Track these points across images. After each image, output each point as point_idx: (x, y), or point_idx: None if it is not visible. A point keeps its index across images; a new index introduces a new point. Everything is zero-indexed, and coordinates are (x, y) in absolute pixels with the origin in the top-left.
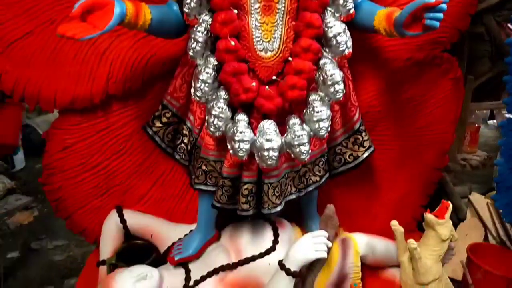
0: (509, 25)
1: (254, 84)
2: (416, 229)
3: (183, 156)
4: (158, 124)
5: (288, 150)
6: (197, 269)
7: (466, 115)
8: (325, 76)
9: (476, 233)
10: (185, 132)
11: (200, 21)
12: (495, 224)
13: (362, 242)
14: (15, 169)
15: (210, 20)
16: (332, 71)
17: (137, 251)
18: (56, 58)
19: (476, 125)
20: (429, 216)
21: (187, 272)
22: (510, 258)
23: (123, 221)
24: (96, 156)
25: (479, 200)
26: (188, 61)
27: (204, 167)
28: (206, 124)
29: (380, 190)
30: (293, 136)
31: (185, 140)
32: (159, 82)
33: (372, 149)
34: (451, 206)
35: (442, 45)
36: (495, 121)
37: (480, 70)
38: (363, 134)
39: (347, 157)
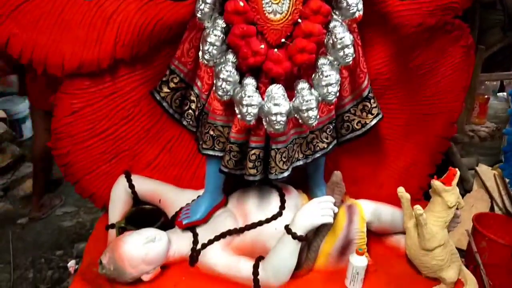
0: None
1: (263, 46)
2: (423, 198)
3: (191, 122)
4: (165, 89)
5: (296, 115)
6: (205, 233)
7: (475, 85)
8: (335, 40)
9: (482, 204)
10: (192, 98)
11: None
12: (501, 195)
13: (368, 209)
14: (24, 137)
15: None
16: (342, 34)
17: (146, 215)
18: (63, 21)
19: (486, 96)
20: (436, 182)
21: (195, 235)
22: None
23: (131, 186)
24: (104, 121)
25: (486, 172)
26: (196, 25)
27: (211, 132)
28: (214, 88)
29: (387, 159)
30: (301, 101)
31: (193, 106)
32: (166, 46)
33: (380, 116)
34: (458, 173)
35: (454, 11)
36: (505, 93)
37: (491, 40)
38: (372, 101)
39: (355, 125)
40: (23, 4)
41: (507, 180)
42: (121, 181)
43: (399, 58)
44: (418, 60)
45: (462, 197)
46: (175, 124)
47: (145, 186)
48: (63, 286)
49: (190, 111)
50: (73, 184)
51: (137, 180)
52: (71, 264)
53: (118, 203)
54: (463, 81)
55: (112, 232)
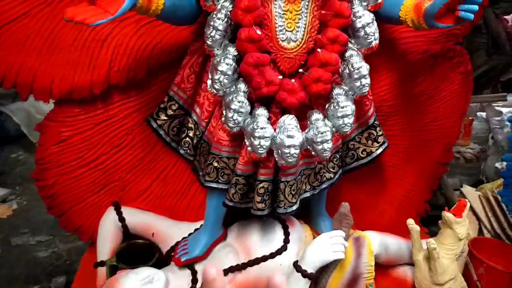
0: (506, 17)
1: (281, 77)
2: (420, 224)
3: (188, 151)
4: (163, 116)
5: (309, 147)
6: None
7: None
8: (352, 69)
9: (470, 227)
10: (190, 125)
11: (219, 7)
12: (488, 217)
13: (375, 241)
14: None
15: (230, 6)
16: (359, 63)
17: (138, 251)
18: (53, 43)
19: (470, 118)
20: (448, 215)
21: (193, 273)
22: (508, 252)
23: (121, 219)
24: (94, 150)
25: (471, 193)
26: (197, 50)
27: (215, 164)
28: (223, 119)
29: (387, 186)
30: (316, 133)
31: (191, 134)
32: (164, 71)
33: (386, 144)
34: (468, 204)
35: (456, 38)
36: (483, 113)
37: (476, 62)
38: (377, 129)
39: (360, 153)
40: (9, 24)
41: (505, 206)
42: (110, 214)
43: (403, 85)
44: (421, 87)
45: None
46: (170, 152)
47: (137, 218)
48: None
49: (187, 139)
50: (58, 217)
51: (127, 212)
52: None
53: (107, 238)
54: (461, 107)
55: (102, 270)
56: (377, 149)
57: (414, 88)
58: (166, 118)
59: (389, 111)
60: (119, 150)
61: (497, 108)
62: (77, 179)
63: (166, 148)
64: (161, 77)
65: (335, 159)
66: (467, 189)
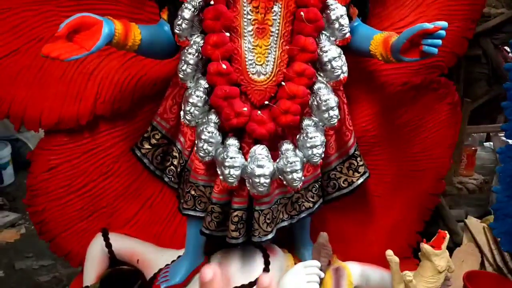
0: (506, 48)
1: (246, 109)
2: (412, 256)
3: (172, 179)
4: (147, 145)
5: (280, 176)
6: None
7: (462, 138)
8: (320, 101)
9: (472, 259)
10: (174, 154)
11: (191, 42)
12: (491, 250)
13: (356, 272)
14: (4, 184)
15: (201, 42)
16: (326, 96)
17: (122, 276)
18: (43, 77)
19: (473, 148)
20: (425, 246)
21: None
22: (506, 287)
23: (108, 245)
24: (82, 178)
25: (475, 224)
26: (179, 82)
27: (193, 192)
28: (195, 148)
29: (374, 216)
30: (286, 163)
31: (175, 162)
32: (149, 102)
33: (367, 174)
34: (448, 236)
35: (440, 70)
36: (491, 143)
37: (477, 92)
38: (358, 159)
39: (342, 183)
40: (1, 59)
41: (498, 239)
42: (98, 240)
43: (385, 116)
44: (405, 118)
45: (452, 251)
46: (156, 180)
47: (123, 245)
48: None
49: (172, 167)
50: (48, 242)
51: (114, 238)
52: None
53: (94, 263)
54: (450, 138)
55: None
56: (358, 179)
57: (397, 119)
58: (149, 147)
59: (372, 141)
60: (107, 177)
61: (503, 138)
62: (66, 205)
63: (152, 176)
64: (147, 107)
65: (314, 188)
66: (471, 221)
